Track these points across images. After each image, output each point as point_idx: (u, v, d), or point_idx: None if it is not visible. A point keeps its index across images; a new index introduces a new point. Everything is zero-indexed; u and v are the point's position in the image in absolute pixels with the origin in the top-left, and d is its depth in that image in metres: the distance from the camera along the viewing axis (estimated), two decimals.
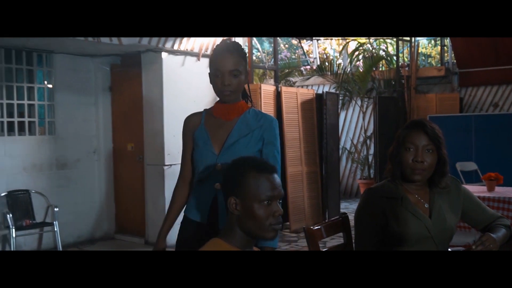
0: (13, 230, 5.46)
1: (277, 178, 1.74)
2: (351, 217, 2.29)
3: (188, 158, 2.34)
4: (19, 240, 5.73)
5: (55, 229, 5.77)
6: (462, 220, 2.20)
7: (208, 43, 6.64)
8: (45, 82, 6.34)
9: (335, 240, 5.27)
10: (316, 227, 2.20)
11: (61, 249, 5.69)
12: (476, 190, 4.90)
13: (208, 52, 6.65)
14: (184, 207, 2.33)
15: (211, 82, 2.25)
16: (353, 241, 2.18)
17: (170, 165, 6.25)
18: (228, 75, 2.19)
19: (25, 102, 6.12)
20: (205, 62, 6.67)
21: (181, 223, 2.32)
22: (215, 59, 2.21)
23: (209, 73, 2.26)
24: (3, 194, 5.74)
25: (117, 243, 6.58)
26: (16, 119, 6.03)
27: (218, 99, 2.30)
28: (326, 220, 2.46)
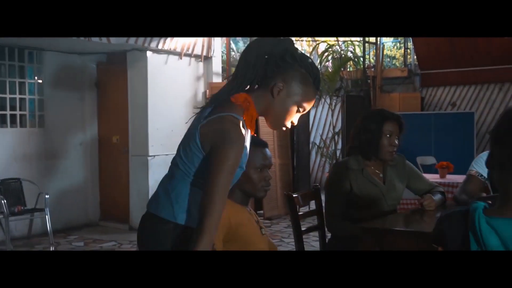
0: (8, 215, 5.84)
1: (268, 151, 2.28)
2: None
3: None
4: (10, 225, 6.10)
5: (47, 215, 6.16)
6: (408, 187, 2.80)
7: (190, 43, 7.14)
8: (36, 77, 6.73)
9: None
10: (295, 195, 2.76)
11: (51, 235, 6.07)
12: (431, 177, 5.54)
13: (190, 51, 7.15)
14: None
15: (289, 106, 1.78)
16: (323, 205, 2.75)
17: (154, 155, 6.74)
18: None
19: (17, 96, 6.51)
20: (186, 60, 7.18)
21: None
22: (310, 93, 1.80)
23: (293, 97, 1.78)
24: None
25: (102, 229, 7.02)
26: (8, 112, 6.41)
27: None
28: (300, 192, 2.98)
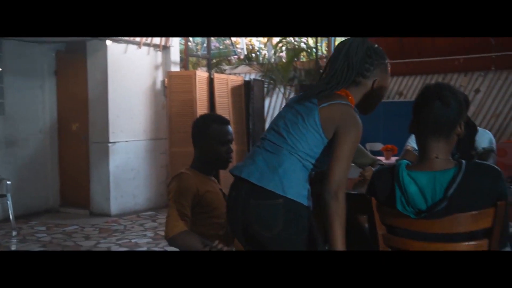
0: None
1: (230, 128, 2.59)
2: None
3: None
4: None
5: (8, 201, 6.25)
6: (353, 163, 3.16)
7: None
8: None
9: None
10: None
11: (14, 220, 6.17)
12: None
13: (148, 41, 7.34)
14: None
15: (383, 93, 2.17)
16: None
17: (114, 142, 6.93)
18: None
19: None
20: (145, 50, 7.38)
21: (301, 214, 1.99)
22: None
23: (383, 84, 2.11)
24: None
25: (63, 215, 7.16)
26: None
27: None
28: None
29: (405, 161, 1.83)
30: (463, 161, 1.78)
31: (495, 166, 1.80)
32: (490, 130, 10.00)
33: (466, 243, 1.78)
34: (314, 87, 2.06)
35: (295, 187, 1.94)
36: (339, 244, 1.80)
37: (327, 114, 1.93)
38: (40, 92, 7.26)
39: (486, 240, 1.78)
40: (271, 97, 11.03)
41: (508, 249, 1.83)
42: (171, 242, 2.42)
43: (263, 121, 9.04)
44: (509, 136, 9.08)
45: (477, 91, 9.52)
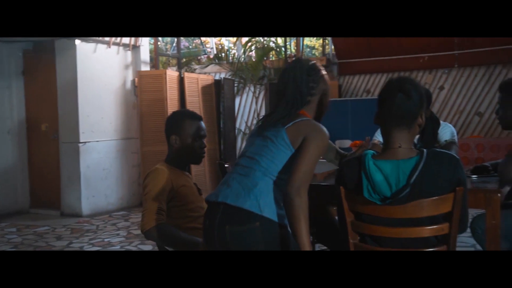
0: None
1: (203, 124, 2.66)
2: None
3: None
4: None
5: None
6: (323, 158, 3.27)
7: None
8: None
9: None
10: (226, 165, 3.15)
11: None
12: None
13: (118, 40, 7.34)
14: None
15: (328, 96, 2.35)
16: None
17: (85, 142, 6.90)
18: None
19: None
20: (114, 49, 7.37)
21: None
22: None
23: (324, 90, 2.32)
24: None
25: (33, 216, 7.09)
26: None
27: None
28: None
29: (371, 151, 1.94)
30: (425, 150, 1.89)
31: (454, 154, 1.92)
32: (454, 126, 10.30)
33: (429, 227, 1.89)
34: (273, 114, 2.23)
35: (271, 206, 2.04)
36: (304, 236, 1.92)
37: (294, 131, 2.12)
38: (7, 93, 7.18)
39: (447, 224, 1.90)
40: (241, 96, 11.10)
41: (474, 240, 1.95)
42: (147, 235, 2.47)
43: (233, 119, 9.11)
44: (473, 132, 9.37)
45: (441, 88, 9.79)
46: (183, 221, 2.55)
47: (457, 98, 9.55)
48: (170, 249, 2.49)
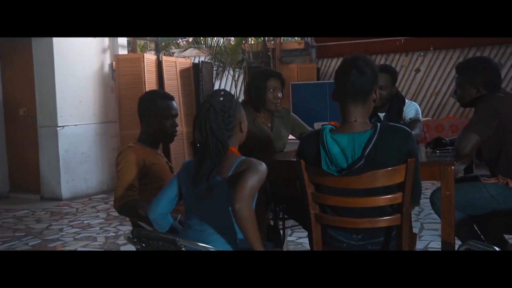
0: None
1: (175, 103, 2.75)
2: None
3: None
4: None
5: None
6: (293, 134, 3.38)
7: None
8: None
9: None
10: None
11: None
12: None
13: None
14: None
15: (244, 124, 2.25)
16: None
17: (63, 126, 6.93)
18: None
19: None
20: None
21: None
22: None
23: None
24: None
25: (13, 200, 7.12)
26: None
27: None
28: None
29: (329, 126, 2.05)
30: (379, 124, 2.01)
31: (406, 128, 2.04)
32: (430, 108, 10.46)
33: (383, 197, 2.02)
34: (204, 167, 2.08)
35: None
36: (257, 242, 1.87)
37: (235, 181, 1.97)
38: None
39: (401, 193, 2.02)
40: (220, 79, 11.16)
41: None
42: (120, 211, 2.56)
43: None
44: (448, 113, 9.56)
45: (417, 70, 9.95)
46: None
47: (432, 80, 9.73)
48: (143, 224, 2.58)
